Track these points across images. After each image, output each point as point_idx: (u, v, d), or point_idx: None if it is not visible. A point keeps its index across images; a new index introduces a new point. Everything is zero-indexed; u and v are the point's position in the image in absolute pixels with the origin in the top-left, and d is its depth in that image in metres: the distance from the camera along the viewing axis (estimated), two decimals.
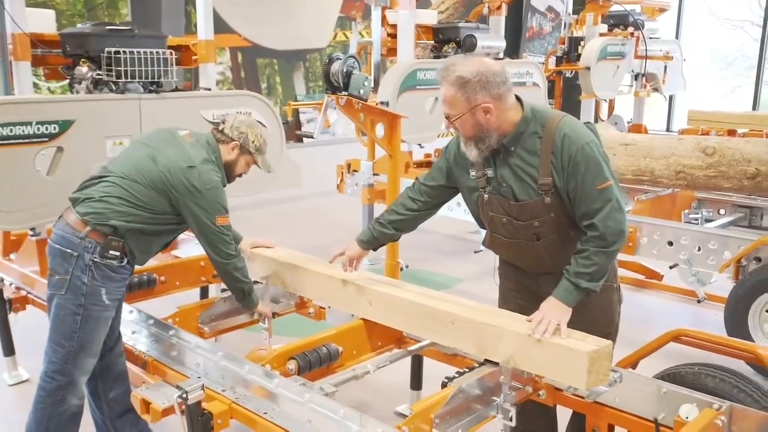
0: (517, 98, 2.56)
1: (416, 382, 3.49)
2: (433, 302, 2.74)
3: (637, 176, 5.14)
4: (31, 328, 4.00)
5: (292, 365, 2.69)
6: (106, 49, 3.52)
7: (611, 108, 9.12)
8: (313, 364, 2.73)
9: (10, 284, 3.83)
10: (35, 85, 6.21)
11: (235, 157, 3.04)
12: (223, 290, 3.64)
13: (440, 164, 2.82)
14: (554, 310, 2.43)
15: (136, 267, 3.03)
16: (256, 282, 3.22)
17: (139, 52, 3.58)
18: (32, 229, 3.73)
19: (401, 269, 3.77)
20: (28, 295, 3.74)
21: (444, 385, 2.45)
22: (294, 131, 9.23)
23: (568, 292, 2.45)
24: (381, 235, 2.89)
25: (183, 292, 3.90)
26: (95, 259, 2.75)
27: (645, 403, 2.48)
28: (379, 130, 3.48)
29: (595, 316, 2.66)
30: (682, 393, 2.42)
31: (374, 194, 5.82)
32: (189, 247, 4.43)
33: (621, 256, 4.67)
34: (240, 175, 3.14)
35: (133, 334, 3.13)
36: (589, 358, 2.25)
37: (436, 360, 3.07)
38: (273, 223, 7.98)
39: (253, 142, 3.04)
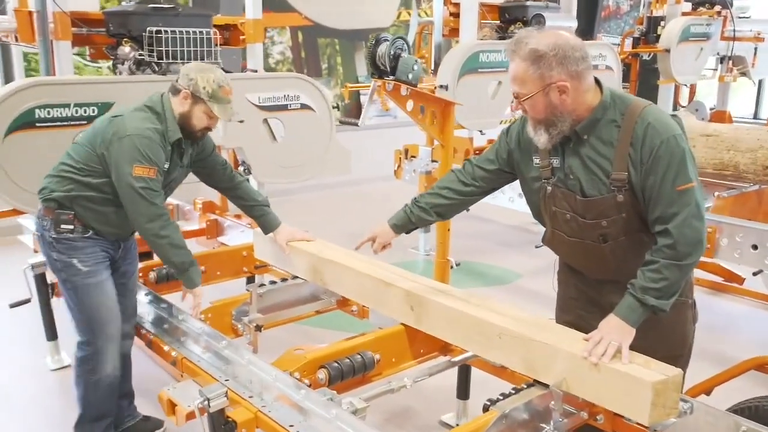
0: (596, 80, 2.24)
1: (463, 392, 3.25)
2: (479, 312, 2.48)
3: (719, 170, 4.71)
4: None
5: (322, 374, 2.48)
6: (148, 29, 3.36)
7: (692, 93, 8.52)
8: (346, 374, 2.51)
9: None
10: (78, 67, 6.20)
11: (188, 108, 2.80)
12: (261, 285, 3.48)
13: (500, 146, 2.53)
14: (615, 329, 2.14)
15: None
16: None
17: (181, 32, 3.42)
18: None
19: (451, 267, 3.50)
20: None
21: (486, 409, 2.19)
22: (353, 114, 9.07)
23: (631, 310, 2.15)
24: (419, 219, 2.63)
25: (228, 281, 3.77)
26: (53, 235, 2.75)
27: None
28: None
29: (665, 335, 2.35)
30: None
31: (432, 182, 5.53)
32: (235, 235, 4.30)
33: (702, 256, 4.29)
34: (206, 129, 2.87)
35: (165, 326, 3.00)
36: (653, 389, 1.96)
37: (484, 371, 2.81)
38: (327, 208, 7.82)
39: (204, 88, 2.77)
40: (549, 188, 2.33)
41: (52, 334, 3.83)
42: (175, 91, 2.82)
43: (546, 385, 2.23)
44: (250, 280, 4.10)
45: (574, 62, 2.13)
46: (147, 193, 2.66)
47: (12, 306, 3.69)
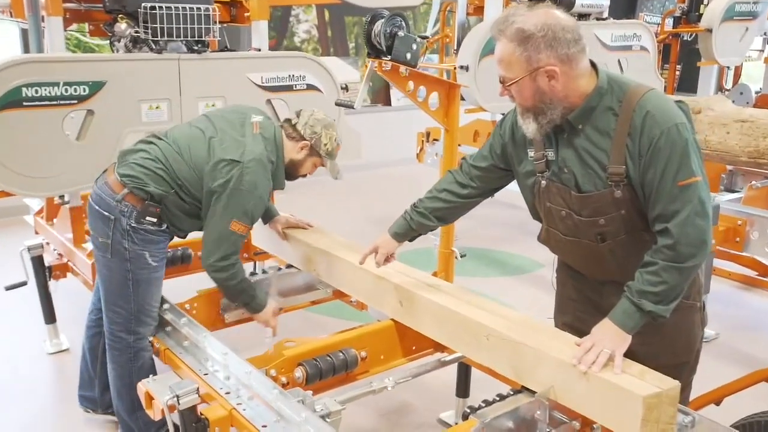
0: (592, 64, 2.04)
1: (462, 390, 3.09)
2: (468, 310, 2.31)
3: (754, 158, 4.39)
4: (72, 295, 3.92)
5: (299, 373, 2.35)
6: (143, 4, 3.23)
7: (737, 76, 8.10)
8: (325, 373, 2.37)
9: (54, 249, 3.73)
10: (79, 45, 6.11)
11: (303, 158, 2.82)
12: (254, 272, 3.37)
13: (493, 141, 2.34)
14: (609, 336, 1.95)
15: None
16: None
17: (177, 8, 3.28)
18: (61, 197, 3.58)
19: (456, 258, 3.32)
20: (69, 263, 3.62)
21: (465, 417, 2.03)
22: (381, 95, 8.88)
23: (627, 316, 1.95)
24: (420, 226, 2.45)
25: None
26: (132, 224, 2.64)
27: None
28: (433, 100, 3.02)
29: (670, 341, 2.16)
30: None
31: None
32: None
33: (730, 249, 4.02)
34: (304, 176, 2.91)
35: None
36: (645, 403, 1.77)
37: (478, 369, 2.65)
38: (347, 190, 7.69)
39: (325, 144, 2.79)
40: (543, 182, 2.14)
41: (50, 317, 3.79)
42: (293, 137, 2.79)
43: (534, 392, 2.06)
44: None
45: (565, 44, 1.92)
46: (233, 247, 2.66)
47: (8, 288, 3.65)
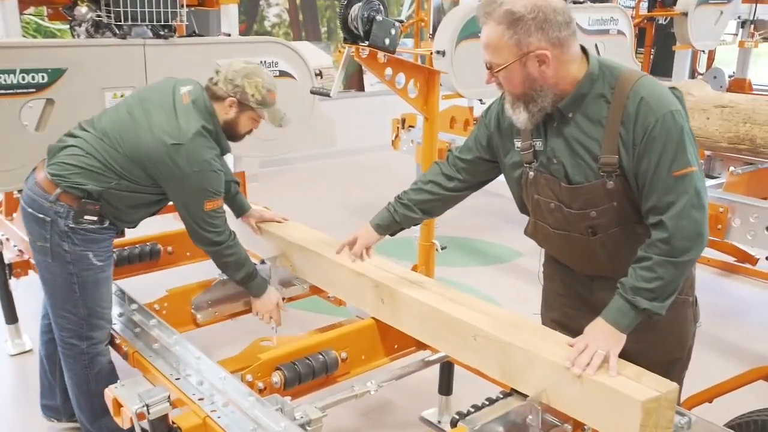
0: (582, 49, 1.93)
1: (445, 387, 2.99)
2: (453, 309, 2.21)
3: (734, 144, 4.34)
4: (34, 293, 3.72)
5: (277, 377, 2.23)
6: None
7: (710, 60, 8.09)
8: (304, 377, 2.26)
9: (14, 246, 3.55)
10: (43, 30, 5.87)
11: (235, 116, 2.60)
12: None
13: (478, 132, 2.22)
14: (603, 336, 1.86)
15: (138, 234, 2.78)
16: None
17: None
18: (20, 191, 3.39)
19: (437, 250, 3.22)
20: (30, 260, 3.44)
21: (454, 424, 1.93)
22: (354, 80, 8.71)
23: (621, 314, 1.86)
24: (404, 218, 2.33)
25: (197, 263, 3.51)
26: (70, 225, 2.47)
27: None
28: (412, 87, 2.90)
29: (662, 338, 2.07)
30: None
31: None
32: None
33: (712, 236, 3.97)
34: (250, 132, 2.71)
35: (120, 317, 2.75)
36: (644, 408, 1.69)
37: (464, 369, 2.55)
38: (321, 179, 7.56)
39: (253, 95, 2.56)
40: (531, 174, 2.03)
41: (11, 317, 3.61)
42: (217, 96, 2.57)
43: (525, 395, 1.97)
44: None
45: (557, 27, 1.81)
46: (218, 222, 2.57)
47: None
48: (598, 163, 1.88)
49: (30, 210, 2.51)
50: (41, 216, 2.47)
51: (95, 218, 2.50)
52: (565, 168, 1.95)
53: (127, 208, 2.57)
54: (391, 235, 2.42)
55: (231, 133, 2.65)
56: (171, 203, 2.67)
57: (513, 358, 1.99)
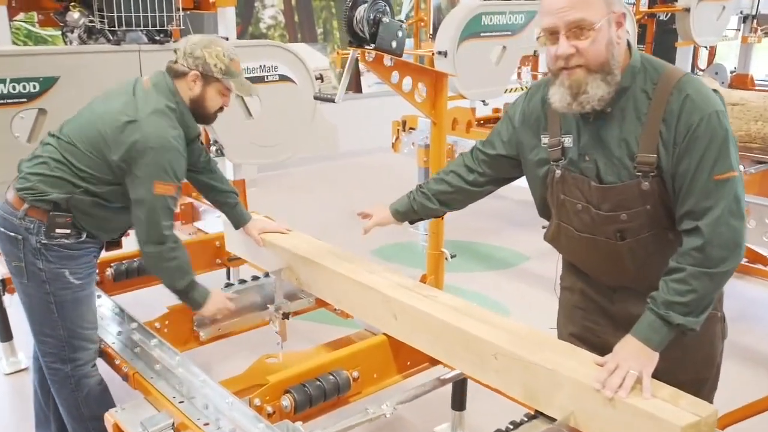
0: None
1: (458, 403, 2.88)
2: (470, 325, 2.09)
3: (746, 143, 4.27)
4: None
5: (287, 401, 2.12)
6: None
7: (711, 56, 8.00)
8: (315, 399, 2.14)
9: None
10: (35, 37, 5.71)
11: (201, 91, 2.45)
12: (235, 282, 3.11)
13: (501, 127, 2.11)
14: (634, 355, 1.75)
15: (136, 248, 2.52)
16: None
17: None
18: None
19: (446, 259, 3.11)
20: None
21: None
22: (352, 82, 8.59)
23: (653, 330, 1.75)
24: (422, 208, 2.27)
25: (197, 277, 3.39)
26: (43, 241, 2.35)
27: None
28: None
29: (689, 356, 1.95)
30: None
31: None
32: (212, 220, 3.92)
33: None
34: (221, 109, 2.55)
35: (119, 335, 2.63)
36: None
37: (482, 386, 2.44)
38: (321, 182, 7.45)
39: (215, 65, 2.42)
40: (558, 172, 1.92)
41: (6, 334, 3.49)
42: (178, 74, 2.42)
43: (552, 418, 1.86)
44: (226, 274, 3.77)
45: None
46: (165, 213, 2.35)
47: None
48: (635, 162, 1.77)
49: (2, 229, 2.39)
50: (13, 234, 2.36)
51: (68, 231, 2.37)
52: (598, 166, 1.84)
53: (103, 214, 2.42)
54: (411, 223, 2.39)
55: (200, 112, 2.49)
56: None
57: (537, 378, 1.88)
